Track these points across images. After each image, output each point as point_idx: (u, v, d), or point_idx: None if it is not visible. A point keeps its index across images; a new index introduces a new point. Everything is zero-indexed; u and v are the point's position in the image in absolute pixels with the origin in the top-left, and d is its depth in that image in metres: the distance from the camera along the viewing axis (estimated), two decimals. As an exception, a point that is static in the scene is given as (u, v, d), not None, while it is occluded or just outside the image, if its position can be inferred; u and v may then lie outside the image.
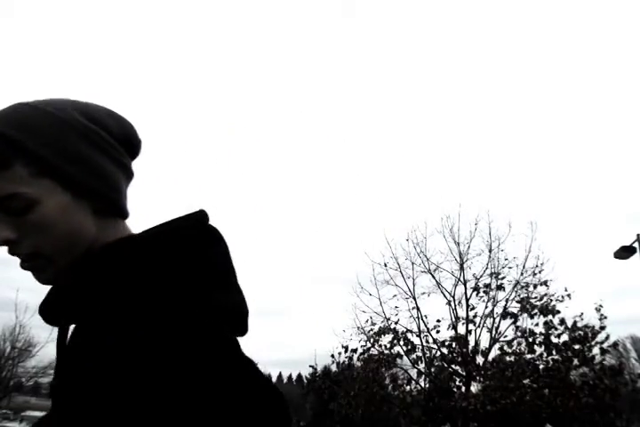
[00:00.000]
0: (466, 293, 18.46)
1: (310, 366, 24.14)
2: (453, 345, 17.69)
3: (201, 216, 0.94)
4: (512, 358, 16.63)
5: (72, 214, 0.87)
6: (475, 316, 18.04)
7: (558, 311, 16.61)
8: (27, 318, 25.55)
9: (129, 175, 0.97)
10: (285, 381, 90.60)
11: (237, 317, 0.93)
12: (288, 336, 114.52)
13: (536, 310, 16.87)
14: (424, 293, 18.84)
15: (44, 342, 26.45)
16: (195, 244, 0.90)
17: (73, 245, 0.88)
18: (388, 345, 18.21)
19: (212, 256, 0.91)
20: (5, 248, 0.88)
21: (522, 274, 18.13)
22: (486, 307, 18.09)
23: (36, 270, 0.90)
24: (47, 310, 0.91)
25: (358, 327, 18.81)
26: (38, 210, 0.84)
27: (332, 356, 19.58)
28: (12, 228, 0.85)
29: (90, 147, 0.89)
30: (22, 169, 0.83)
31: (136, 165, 1.02)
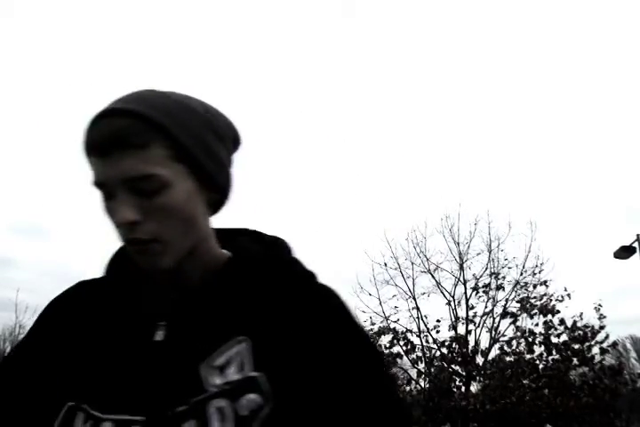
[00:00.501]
0: (466, 293, 18.46)
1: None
2: (453, 345, 17.68)
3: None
4: (512, 358, 16.63)
5: (195, 202, 0.89)
6: (474, 316, 18.05)
7: (558, 311, 16.60)
8: (26, 319, 25.49)
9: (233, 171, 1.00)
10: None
11: None
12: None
13: (536, 310, 16.86)
14: (424, 293, 18.85)
15: (44, 343, 26.42)
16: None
17: (190, 232, 0.89)
18: (388, 345, 18.19)
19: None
20: (122, 231, 0.87)
21: (521, 274, 18.15)
22: (486, 307, 18.10)
23: (148, 254, 0.88)
24: (206, 323, 0.90)
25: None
26: (168, 193, 0.85)
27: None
28: (137, 210, 0.84)
29: (217, 140, 0.92)
30: (161, 151, 0.84)
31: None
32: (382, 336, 18.35)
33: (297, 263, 0.99)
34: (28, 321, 25.59)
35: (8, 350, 26.11)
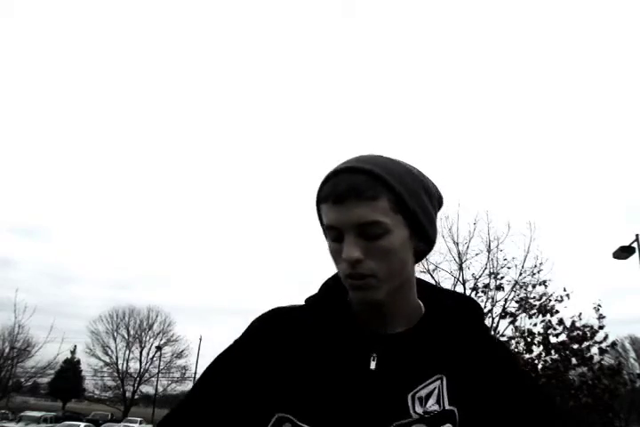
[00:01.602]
0: (465, 292, 18.47)
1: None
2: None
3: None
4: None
5: (407, 248, 1.09)
6: (473, 316, 18.06)
7: (557, 311, 16.62)
8: (25, 319, 25.52)
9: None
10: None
11: None
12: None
13: (534, 310, 16.88)
14: (423, 293, 18.85)
15: (43, 343, 26.45)
16: None
17: (399, 273, 1.09)
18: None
19: None
20: (345, 266, 1.07)
21: (521, 274, 18.16)
22: (485, 307, 18.11)
23: (364, 289, 1.07)
24: (411, 359, 1.11)
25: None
26: (388, 238, 1.05)
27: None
28: (361, 250, 1.04)
29: (428, 198, 1.12)
30: (386, 203, 1.04)
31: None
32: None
33: (481, 320, 1.19)
34: (27, 321, 25.64)
35: (7, 349, 26.17)
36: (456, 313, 1.16)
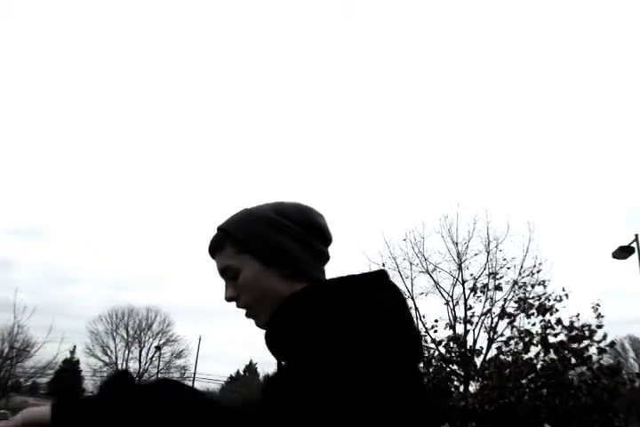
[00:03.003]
0: (464, 293, 18.51)
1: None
2: (451, 345, 17.72)
3: (381, 273, 1.29)
4: (509, 358, 16.66)
5: (263, 278, 1.25)
6: (472, 316, 18.11)
7: (556, 310, 16.64)
8: (25, 319, 25.51)
9: (316, 252, 1.31)
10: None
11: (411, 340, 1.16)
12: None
13: (533, 310, 16.89)
14: (422, 293, 18.92)
15: (42, 343, 26.42)
16: (365, 289, 1.18)
17: (265, 300, 1.24)
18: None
19: (383, 299, 1.18)
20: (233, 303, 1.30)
21: (520, 274, 18.20)
22: (484, 307, 18.14)
23: (251, 317, 1.29)
24: (269, 349, 1.23)
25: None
26: (241, 276, 1.27)
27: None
28: (232, 289, 1.29)
29: (273, 231, 1.27)
30: (229, 249, 1.28)
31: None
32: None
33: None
34: (26, 321, 25.64)
35: (7, 349, 26.15)
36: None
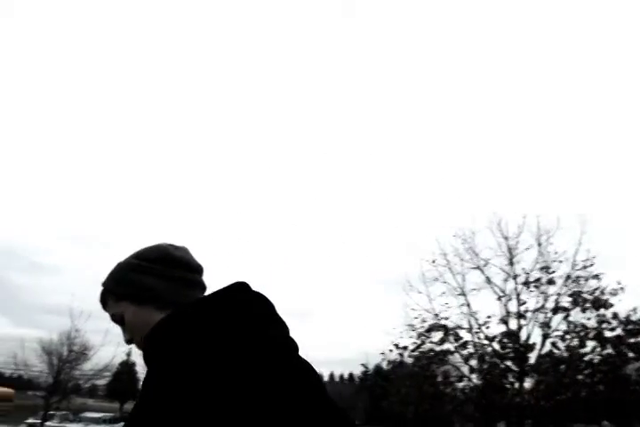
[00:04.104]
0: (516, 287, 18.27)
1: (362, 364, 24.09)
2: (505, 341, 17.52)
3: (238, 286, 1.37)
4: (565, 353, 16.40)
5: (140, 316, 1.42)
6: (526, 311, 17.84)
7: (611, 305, 16.32)
8: (82, 323, 26.05)
9: (180, 281, 1.45)
10: (337, 380, 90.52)
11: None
12: (339, 335, 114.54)
13: (588, 304, 16.60)
14: (474, 289, 18.71)
15: (99, 346, 26.93)
16: (231, 308, 1.29)
17: (145, 333, 1.36)
18: (439, 342, 18.10)
19: (249, 312, 1.29)
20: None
21: (572, 268, 17.87)
22: (537, 302, 17.88)
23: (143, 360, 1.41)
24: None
25: (408, 325, 18.74)
26: (125, 320, 1.44)
27: (383, 353, 19.52)
28: (126, 333, 1.47)
29: (136, 274, 1.44)
30: (110, 301, 1.48)
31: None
32: (433, 333, 18.28)
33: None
34: (83, 325, 26.19)
35: (66, 353, 26.75)
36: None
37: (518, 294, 18.14)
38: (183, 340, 1.24)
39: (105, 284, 1.50)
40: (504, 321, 17.85)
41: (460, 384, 18.23)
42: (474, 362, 17.92)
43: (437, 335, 18.26)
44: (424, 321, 18.49)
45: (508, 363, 17.42)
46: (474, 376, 18.00)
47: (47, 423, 31.38)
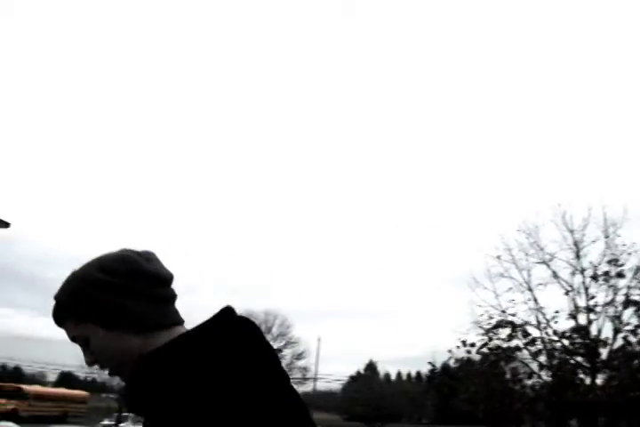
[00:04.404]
0: (584, 281, 17.88)
1: (429, 362, 23.93)
2: (574, 336, 17.16)
3: (226, 314, 1.24)
4: (638, 348, 15.97)
5: (111, 343, 1.22)
6: (595, 305, 17.45)
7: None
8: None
9: (155, 299, 1.26)
10: (405, 378, 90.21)
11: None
12: (406, 335, 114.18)
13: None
14: (540, 284, 18.38)
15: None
16: (222, 342, 1.17)
17: (123, 360, 1.22)
18: (507, 338, 17.85)
19: (240, 350, 1.17)
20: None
21: (643, 260, 17.37)
22: (607, 295, 17.45)
23: (115, 375, 1.29)
24: (127, 405, 1.24)
25: (475, 322, 18.52)
26: (91, 344, 1.24)
27: (450, 351, 19.35)
28: (90, 355, 1.26)
29: (104, 293, 1.22)
30: (70, 321, 1.25)
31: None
32: (500, 330, 18.04)
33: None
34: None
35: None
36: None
37: (587, 289, 17.77)
38: (184, 376, 1.12)
39: (61, 301, 1.27)
40: (573, 316, 17.51)
41: (530, 381, 17.93)
42: (543, 358, 17.62)
43: (505, 332, 18.04)
44: (491, 318, 18.27)
45: (579, 359, 17.08)
46: (543, 373, 17.70)
47: (121, 425, 32.22)
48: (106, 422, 34.74)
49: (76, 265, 1.32)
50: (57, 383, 78.65)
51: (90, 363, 1.28)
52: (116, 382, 30.67)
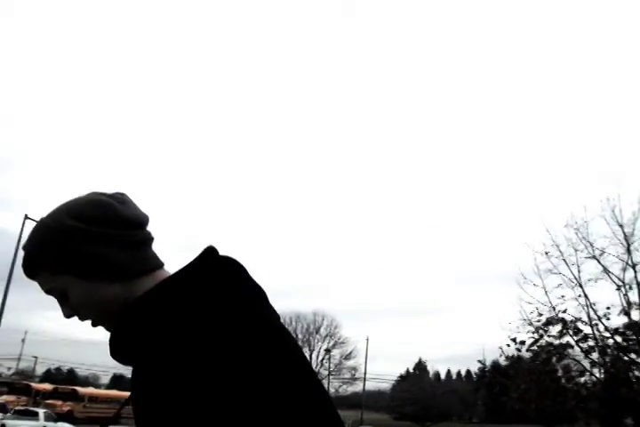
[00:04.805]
0: (636, 276, 17.54)
1: (478, 360, 23.71)
2: (627, 333, 16.84)
3: (209, 255, 1.17)
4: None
5: (91, 293, 1.15)
6: (649, 300, 17.10)
7: None
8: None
9: (133, 244, 1.19)
10: (455, 377, 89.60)
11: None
12: (455, 333, 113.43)
13: None
14: (590, 279, 18.08)
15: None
16: (206, 280, 1.12)
17: (106, 310, 1.16)
18: (557, 335, 17.61)
19: (228, 283, 1.13)
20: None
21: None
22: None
23: (98, 325, 1.21)
24: (113, 355, 1.17)
25: (525, 319, 18.30)
26: (69, 296, 1.16)
27: (500, 348, 19.15)
28: (68, 308, 1.18)
29: (78, 242, 1.14)
30: (44, 273, 1.16)
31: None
32: (551, 327, 17.80)
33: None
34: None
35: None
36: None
37: (638, 284, 17.41)
38: (171, 321, 1.06)
39: (31, 252, 1.18)
40: (626, 312, 17.17)
41: (582, 379, 17.64)
42: (595, 356, 17.33)
43: (555, 329, 17.79)
44: (540, 315, 18.03)
45: (633, 356, 16.74)
46: (596, 370, 17.41)
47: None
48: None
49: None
50: (109, 385, 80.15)
51: (68, 315, 1.20)
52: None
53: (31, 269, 1.18)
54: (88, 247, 1.14)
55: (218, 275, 1.13)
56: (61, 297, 1.18)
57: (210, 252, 1.18)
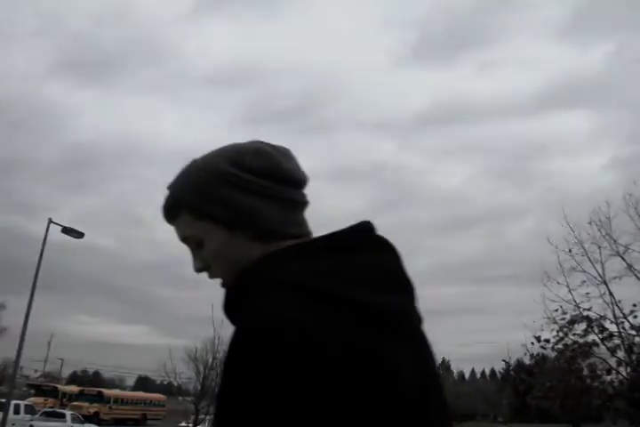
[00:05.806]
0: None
1: (503, 360, 23.62)
2: (654, 330, 16.69)
3: (362, 226, 1.07)
4: None
5: (230, 246, 1.08)
6: (676, 298, 16.92)
7: None
8: (224, 331, 27.09)
9: (287, 203, 1.10)
10: (479, 376, 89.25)
11: (385, 317, 0.96)
12: (479, 332, 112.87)
13: None
14: (615, 277, 17.91)
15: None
16: (337, 250, 1.02)
17: (234, 269, 1.07)
18: (582, 334, 17.46)
19: (359, 261, 1.01)
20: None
21: None
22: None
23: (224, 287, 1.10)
24: (225, 313, 1.08)
25: (549, 318, 18.17)
26: (205, 246, 1.10)
27: (525, 346, 19.03)
28: (200, 260, 1.12)
29: (233, 189, 1.07)
30: (186, 217, 1.10)
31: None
32: (575, 325, 17.66)
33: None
34: (225, 334, 27.27)
35: (210, 360, 27.93)
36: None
37: (665, 280, 17.24)
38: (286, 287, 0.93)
39: (179, 193, 1.11)
40: (652, 310, 17.00)
41: (608, 377, 17.48)
42: (621, 354, 17.16)
43: (580, 327, 17.64)
44: (564, 313, 17.88)
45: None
46: (622, 369, 17.24)
47: (198, 427, 32.85)
48: (183, 424, 35.41)
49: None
50: (135, 387, 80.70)
51: (199, 270, 1.13)
52: (192, 385, 31.23)
53: (173, 210, 1.12)
54: (243, 197, 1.07)
55: (365, 260, 1.02)
56: (196, 248, 1.12)
57: (364, 225, 1.08)
